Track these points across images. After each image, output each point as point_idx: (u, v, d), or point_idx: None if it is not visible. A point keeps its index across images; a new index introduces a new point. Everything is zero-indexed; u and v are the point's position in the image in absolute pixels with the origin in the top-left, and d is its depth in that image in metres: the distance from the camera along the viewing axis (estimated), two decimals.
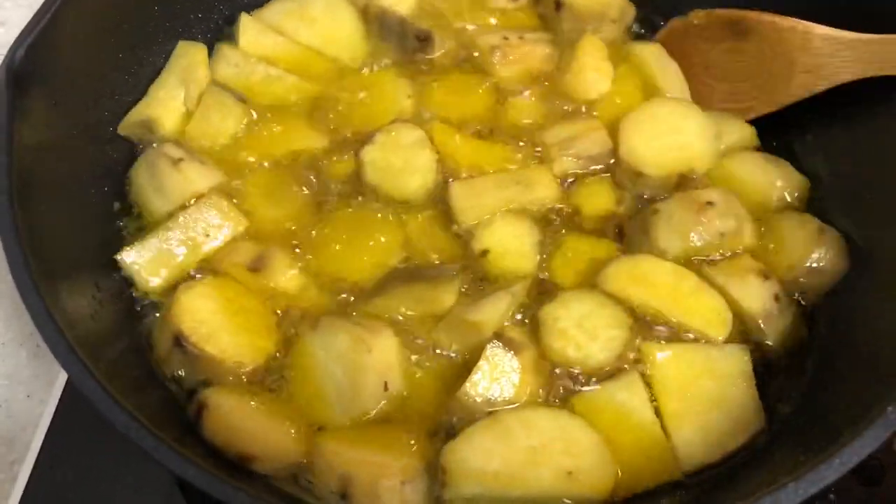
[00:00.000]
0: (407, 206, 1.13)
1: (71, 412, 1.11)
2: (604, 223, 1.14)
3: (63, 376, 1.15)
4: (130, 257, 1.04)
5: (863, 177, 1.13)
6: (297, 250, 1.10)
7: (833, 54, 1.12)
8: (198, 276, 1.06)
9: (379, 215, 1.13)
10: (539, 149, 1.20)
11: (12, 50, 0.93)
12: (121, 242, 1.07)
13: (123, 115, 1.16)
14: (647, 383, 0.98)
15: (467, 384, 0.94)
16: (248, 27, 1.27)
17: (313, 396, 0.96)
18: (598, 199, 1.16)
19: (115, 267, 1.04)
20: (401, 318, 1.02)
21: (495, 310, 1.00)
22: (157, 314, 1.03)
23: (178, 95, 1.19)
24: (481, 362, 0.95)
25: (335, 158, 1.18)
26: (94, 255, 1.03)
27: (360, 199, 1.14)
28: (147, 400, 0.88)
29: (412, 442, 0.93)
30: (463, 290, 1.05)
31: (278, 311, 1.05)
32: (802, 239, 1.09)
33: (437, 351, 1.01)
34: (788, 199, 1.16)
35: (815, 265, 1.07)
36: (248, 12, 1.30)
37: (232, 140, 1.19)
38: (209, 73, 1.22)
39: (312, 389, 0.97)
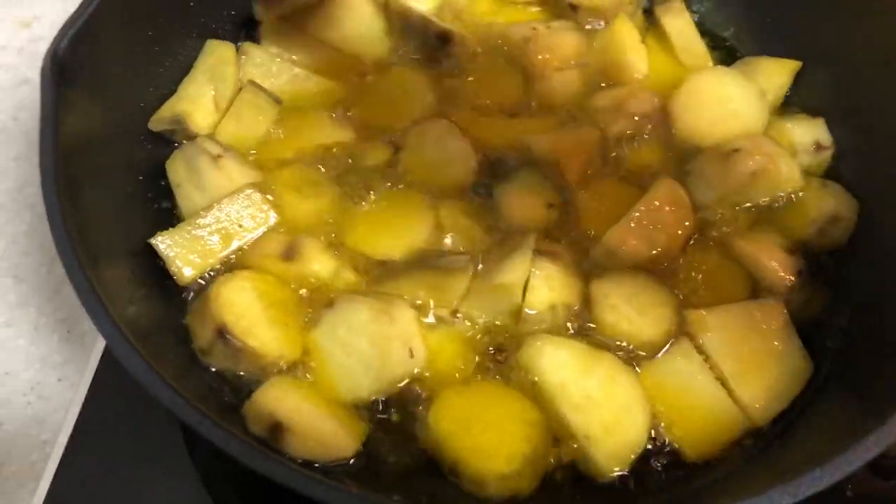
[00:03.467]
0: (447, 194, 1.15)
1: (102, 396, 1.14)
2: (642, 173, 1.18)
3: (94, 362, 1.17)
4: (164, 243, 1.05)
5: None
6: (330, 235, 1.11)
7: None
8: (232, 269, 1.06)
9: (414, 198, 1.15)
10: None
11: (56, 40, 0.96)
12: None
13: (159, 107, 1.18)
14: (700, 350, 1.00)
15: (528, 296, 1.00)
16: (270, 24, 1.27)
17: (343, 374, 0.98)
18: (643, 154, 1.20)
19: (154, 258, 1.05)
20: (407, 298, 1.04)
21: (519, 267, 1.03)
22: (195, 305, 1.04)
23: (208, 93, 1.20)
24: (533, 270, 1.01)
25: (365, 150, 1.20)
26: (132, 245, 1.05)
27: (392, 188, 1.16)
28: (188, 383, 0.90)
29: None
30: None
31: (308, 297, 1.06)
32: (812, 195, 1.13)
33: (457, 320, 1.04)
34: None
35: (829, 215, 1.11)
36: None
37: (263, 138, 1.21)
38: (237, 71, 1.23)
39: (340, 367, 0.99)
